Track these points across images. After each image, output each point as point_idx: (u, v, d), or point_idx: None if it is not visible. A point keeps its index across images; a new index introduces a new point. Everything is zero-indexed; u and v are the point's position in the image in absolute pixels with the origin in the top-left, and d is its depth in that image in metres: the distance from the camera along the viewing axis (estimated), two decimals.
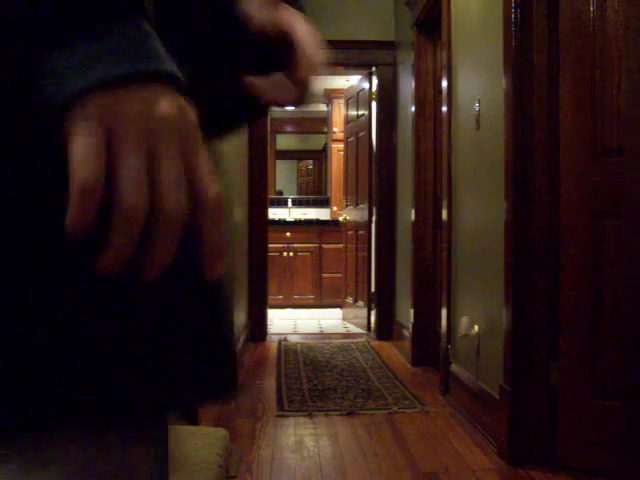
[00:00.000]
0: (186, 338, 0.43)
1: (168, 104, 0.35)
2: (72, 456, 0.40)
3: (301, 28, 0.52)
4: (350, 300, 6.02)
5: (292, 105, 0.55)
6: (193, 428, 1.88)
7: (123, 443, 0.43)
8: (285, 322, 6.21)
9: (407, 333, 4.46)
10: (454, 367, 3.34)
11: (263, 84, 0.52)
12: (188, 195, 0.36)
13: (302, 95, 0.53)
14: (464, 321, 3.18)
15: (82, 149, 0.33)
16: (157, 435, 0.47)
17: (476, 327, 3.01)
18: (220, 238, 0.38)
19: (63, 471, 0.40)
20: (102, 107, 0.34)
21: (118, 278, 0.35)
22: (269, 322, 5.67)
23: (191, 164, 0.36)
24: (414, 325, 4.28)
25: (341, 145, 6.96)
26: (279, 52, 0.52)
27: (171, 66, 0.37)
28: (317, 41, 0.53)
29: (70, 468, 0.40)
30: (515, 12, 2.51)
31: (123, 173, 0.33)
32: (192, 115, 0.37)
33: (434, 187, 4.24)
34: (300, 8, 0.56)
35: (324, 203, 7.84)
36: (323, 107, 7.99)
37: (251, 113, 0.60)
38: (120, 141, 0.34)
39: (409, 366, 4.25)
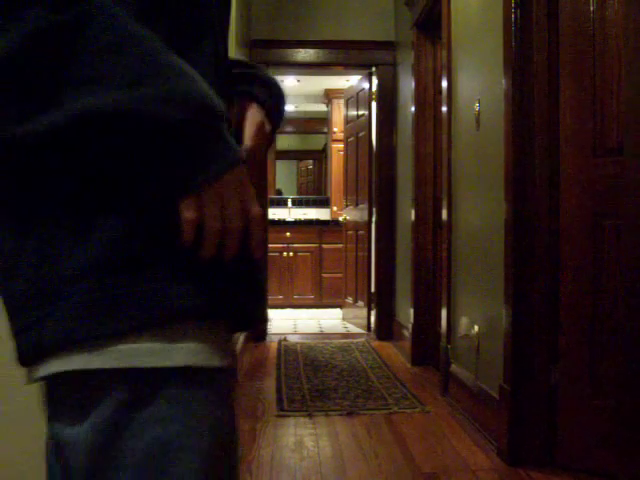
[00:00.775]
0: (253, 287, 0.75)
1: (231, 179, 0.65)
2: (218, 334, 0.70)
3: (250, 122, 0.83)
4: (350, 300, 6.02)
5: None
6: None
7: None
8: (285, 322, 6.21)
9: (407, 333, 4.46)
10: (454, 367, 3.34)
11: None
12: (243, 217, 0.66)
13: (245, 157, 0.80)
14: (464, 321, 3.18)
15: (186, 216, 0.63)
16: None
17: (476, 327, 3.01)
18: (260, 236, 0.69)
19: (214, 340, 0.69)
20: (198, 193, 0.63)
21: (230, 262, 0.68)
22: (269, 322, 5.66)
23: (244, 201, 0.67)
24: (414, 325, 4.28)
25: (341, 145, 6.96)
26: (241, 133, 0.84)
27: (235, 152, 0.65)
28: (259, 129, 0.83)
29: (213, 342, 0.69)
30: (515, 12, 2.51)
31: (207, 217, 0.64)
32: (244, 173, 0.66)
33: (434, 187, 4.24)
34: (263, 78, 0.88)
35: (324, 203, 7.84)
36: (323, 107, 7.99)
37: None
38: (206, 205, 0.64)
39: (409, 366, 4.25)
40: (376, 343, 5.04)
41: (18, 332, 0.66)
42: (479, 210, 3.06)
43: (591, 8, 2.35)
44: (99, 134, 0.60)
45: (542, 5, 2.48)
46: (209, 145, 0.63)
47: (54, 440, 0.68)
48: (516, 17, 2.50)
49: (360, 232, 5.68)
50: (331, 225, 7.09)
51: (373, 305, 5.41)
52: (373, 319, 5.40)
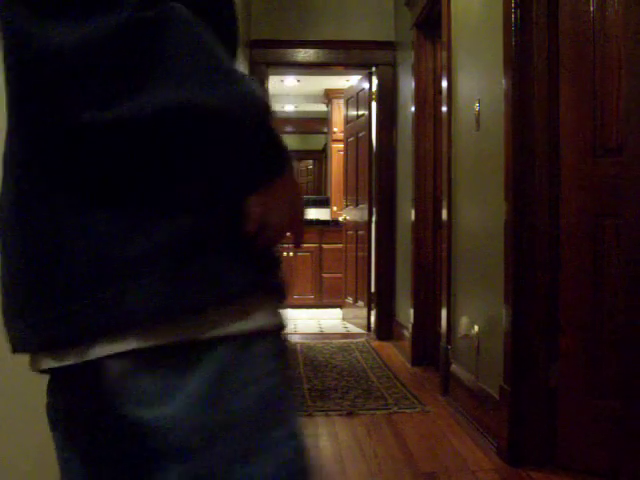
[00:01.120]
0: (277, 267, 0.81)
1: (287, 185, 0.75)
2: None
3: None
4: (350, 300, 6.02)
5: None
6: None
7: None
8: None
9: (407, 333, 4.46)
10: (454, 367, 3.34)
11: None
12: (295, 212, 0.77)
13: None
14: (464, 321, 3.18)
15: (253, 209, 0.71)
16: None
17: (476, 327, 3.01)
18: (302, 228, 0.80)
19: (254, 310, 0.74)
20: (261, 193, 0.72)
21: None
22: None
23: (296, 197, 0.77)
24: (414, 325, 4.28)
25: (341, 145, 6.96)
26: None
27: (289, 152, 0.75)
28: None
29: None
30: (515, 12, 2.50)
31: (269, 211, 0.72)
32: (295, 181, 0.76)
33: (434, 187, 4.24)
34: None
35: (324, 203, 7.83)
36: (323, 107, 7.99)
37: None
38: (269, 200, 0.73)
39: (409, 366, 4.25)
40: (376, 343, 5.04)
41: (78, 309, 0.65)
42: (479, 210, 3.06)
43: (591, 8, 2.35)
44: (181, 126, 0.64)
45: (542, 5, 2.48)
46: (273, 145, 0.72)
47: (122, 423, 0.68)
48: (516, 17, 2.50)
49: (360, 232, 5.68)
50: (331, 225, 7.09)
51: (373, 305, 5.41)
52: (373, 319, 5.40)
